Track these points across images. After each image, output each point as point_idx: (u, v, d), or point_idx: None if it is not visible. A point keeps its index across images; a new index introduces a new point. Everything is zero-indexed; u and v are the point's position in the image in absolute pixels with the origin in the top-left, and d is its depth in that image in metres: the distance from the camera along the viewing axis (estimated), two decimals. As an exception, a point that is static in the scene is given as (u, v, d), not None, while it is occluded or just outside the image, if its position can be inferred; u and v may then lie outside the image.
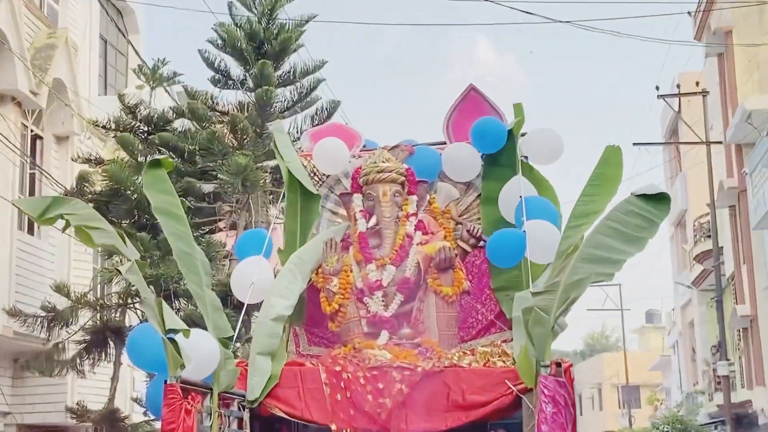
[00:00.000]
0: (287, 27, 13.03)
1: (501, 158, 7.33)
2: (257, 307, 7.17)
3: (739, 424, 21.67)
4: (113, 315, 12.22)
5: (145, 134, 12.92)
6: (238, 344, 8.39)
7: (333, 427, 6.19)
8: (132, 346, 5.94)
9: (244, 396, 6.23)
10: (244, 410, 6.21)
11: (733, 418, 21.47)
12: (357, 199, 7.32)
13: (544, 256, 6.56)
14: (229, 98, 13.21)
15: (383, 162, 7.30)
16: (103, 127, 13.18)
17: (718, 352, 22.17)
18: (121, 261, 10.84)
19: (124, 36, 17.24)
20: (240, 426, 6.18)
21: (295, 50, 13.18)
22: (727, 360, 21.41)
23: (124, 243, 5.70)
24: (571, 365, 5.83)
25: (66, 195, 11.95)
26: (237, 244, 7.65)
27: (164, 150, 12.48)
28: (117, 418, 12.13)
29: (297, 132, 12.63)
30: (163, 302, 5.31)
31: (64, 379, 13.50)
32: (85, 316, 12.29)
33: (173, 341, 5.28)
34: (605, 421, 46.24)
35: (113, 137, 13.36)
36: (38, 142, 14.67)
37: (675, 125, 28.02)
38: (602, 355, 53.04)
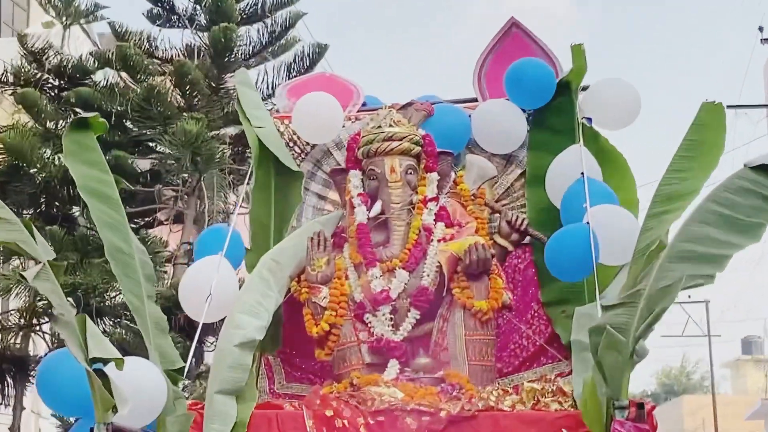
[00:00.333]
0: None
1: (554, 120, 7.35)
2: (216, 328, 7.15)
3: None
4: (11, 340, 12.21)
5: (56, 90, 12.97)
6: (188, 380, 8.38)
7: (323, 496, 6.21)
8: (43, 381, 5.89)
9: (199, 451, 6.22)
10: (199, 471, 6.20)
11: None
12: (354, 177, 7.31)
13: (618, 255, 6.54)
14: (174, 40, 13.31)
15: (391, 126, 7.26)
16: (-3, 80, 13.21)
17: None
18: (23, 265, 10.83)
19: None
20: (194, 493, 6.18)
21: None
22: None
23: (33, 239, 5.66)
24: (654, 407, 5.80)
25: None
26: (197, 246, 7.60)
27: (82, 111, 12.43)
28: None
29: (268, 87, 12.64)
30: (88, 319, 5.27)
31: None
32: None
33: (102, 374, 5.23)
34: (687, 488, 46.69)
35: (11, 94, 13.37)
36: None
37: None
38: (682, 398, 53.59)
